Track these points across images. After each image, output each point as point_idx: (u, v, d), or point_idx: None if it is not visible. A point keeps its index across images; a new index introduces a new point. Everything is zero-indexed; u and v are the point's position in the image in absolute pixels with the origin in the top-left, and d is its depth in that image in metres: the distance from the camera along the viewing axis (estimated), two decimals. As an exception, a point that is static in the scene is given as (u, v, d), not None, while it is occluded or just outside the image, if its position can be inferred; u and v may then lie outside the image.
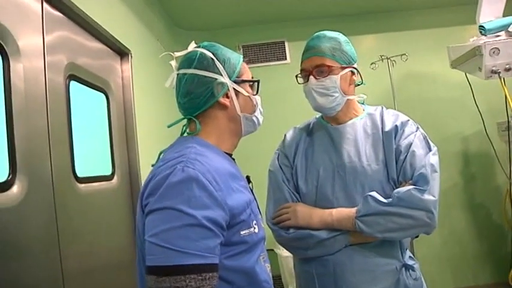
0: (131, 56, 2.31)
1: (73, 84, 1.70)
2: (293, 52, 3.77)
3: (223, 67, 1.06)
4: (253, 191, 1.14)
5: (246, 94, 1.09)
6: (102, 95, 2.04)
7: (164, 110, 2.69)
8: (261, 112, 1.15)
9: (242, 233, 0.95)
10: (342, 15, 3.79)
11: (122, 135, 2.20)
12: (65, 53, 1.65)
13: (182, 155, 0.94)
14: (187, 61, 1.07)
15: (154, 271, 0.83)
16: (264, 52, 3.81)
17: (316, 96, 1.36)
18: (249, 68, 1.15)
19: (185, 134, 1.11)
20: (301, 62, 1.41)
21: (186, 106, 1.07)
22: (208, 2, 3.28)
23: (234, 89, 1.07)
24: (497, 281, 3.51)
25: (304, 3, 3.50)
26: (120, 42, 2.16)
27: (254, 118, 1.12)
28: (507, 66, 2.34)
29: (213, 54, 1.06)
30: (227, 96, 1.06)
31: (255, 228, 0.99)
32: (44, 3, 1.51)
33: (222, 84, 1.05)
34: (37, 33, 1.46)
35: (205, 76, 1.04)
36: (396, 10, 3.83)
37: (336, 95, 1.35)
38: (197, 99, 1.05)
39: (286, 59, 3.78)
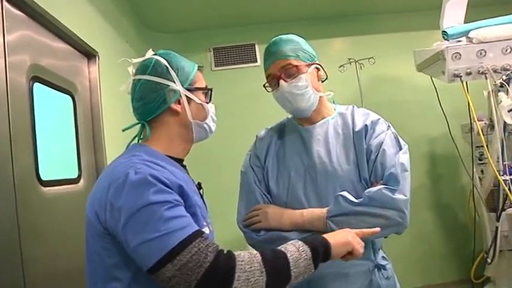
0: (98, 58, 2.27)
1: (37, 86, 1.66)
2: (263, 55, 3.77)
3: (177, 75, 1.10)
4: (203, 197, 1.17)
5: (199, 102, 1.13)
6: (68, 97, 1.99)
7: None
8: (213, 120, 1.19)
9: None
10: (312, 18, 3.84)
11: (89, 137, 2.16)
12: (28, 54, 1.60)
13: (130, 163, 0.97)
14: (143, 67, 1.11)
15: (165, 259, 0.85)
16: (234, 54, 3.79)
17: (291, 99, 1.34)
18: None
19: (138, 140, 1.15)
20: (266, 70, 1.42)
21: (139, 111, 1.11)
22: (179, 4, 3.26)
23: (186, 96, 1.10)
24: (461, 278, 3.61)
25: (274, 7, 3.53)
26: (86, 43, 2.12)
27: (205, 125, 1.16)
28: (468, 70, 2.41)
29: (167, 61, 1.10)
30: (179, 102, 1.10)
31: (204, 229, 1.01)
32: (4, 2, 1.47)
33: (174, 91, 1.09)
34: (-3, 33, 1.42)
35: (158, 82, 1.08)
36: (364, 14, 3.90)
37: (309, 93, 1.35)
38: (150, 105, 1.08)
39: (256, 61, 3.79)
